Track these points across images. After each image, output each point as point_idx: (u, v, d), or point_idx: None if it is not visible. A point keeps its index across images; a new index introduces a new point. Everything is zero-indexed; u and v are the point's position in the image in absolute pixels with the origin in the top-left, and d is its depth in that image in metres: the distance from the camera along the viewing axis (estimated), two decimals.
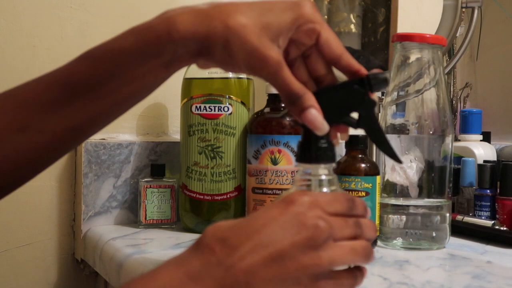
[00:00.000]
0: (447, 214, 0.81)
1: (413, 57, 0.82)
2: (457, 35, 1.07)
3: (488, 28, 1.22)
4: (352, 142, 0.80)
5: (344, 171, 0.78)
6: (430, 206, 0.80)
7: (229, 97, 0.88)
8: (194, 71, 0.92)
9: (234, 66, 0.52)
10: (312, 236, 0.45)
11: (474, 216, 0.92)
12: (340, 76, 0.54)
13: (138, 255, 0.75)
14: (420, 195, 0.81)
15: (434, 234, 0.80)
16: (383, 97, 0.98)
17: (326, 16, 1.14)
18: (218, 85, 0.89)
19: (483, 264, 0.72)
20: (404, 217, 0.80)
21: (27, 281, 0.95)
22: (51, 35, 0.98)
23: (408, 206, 0.80)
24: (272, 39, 0.50)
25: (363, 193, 0.78)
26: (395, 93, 0.82)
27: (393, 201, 0.81)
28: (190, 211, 0.90)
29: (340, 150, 0.87)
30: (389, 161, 0.82)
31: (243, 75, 0.89)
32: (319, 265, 0.45)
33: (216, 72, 0.89)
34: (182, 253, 0.46)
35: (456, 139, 1.12)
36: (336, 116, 0.52)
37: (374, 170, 0.79)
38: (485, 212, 0.92)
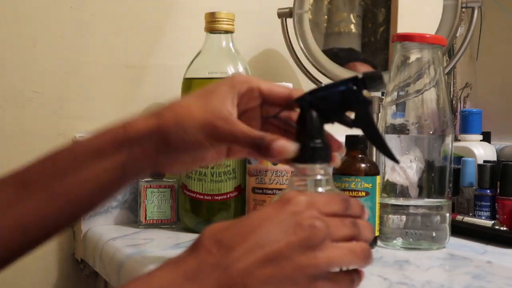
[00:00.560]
0: (447, 214, 0.81)
1: (413, 57, 0.82)
2: (457, 35, 1.06)
3: (488, 28, 1.22)
4: (352, 142, 0.80)
5: (344, 171, 0.78)
6: (430, 206, 0.80)
7: None
8: (194, 71, 0.92)
9: (194, 143, 0.54)
10: (308, 236, 0.44)
11: (474, 216, 0.92)
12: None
13: (138, 255, 0.75)
14: (420, 195, 0.81)
15: (434, 234, 0.80)
16: (383, 97, 0.98)
17: (326, 16, 1.14)
18: None
19: (483, 264, 0.72)
20: (404, 217, 0.80)
21: (27, 281, 0.95)
22: (51, 35, 0.98)
23: (408, 206, 0.80)
24: (219, 108, 0.54)
25: (363, 193, 0.77)
26: (395, 93, 0.82)
27: (393, 201, 0.81)
28: (190, 211, 0.90)
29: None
30: (389, 161, 0.82)
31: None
32: (316, 266, 0.44)
33: (216, 72, 0.89)
34: (180, 254, 0.46)
35: (456, 139, 1.12)
36: (330, 115, 0.52)
37: (374, 170, 0.79)
38: (485, 212, 0.92)
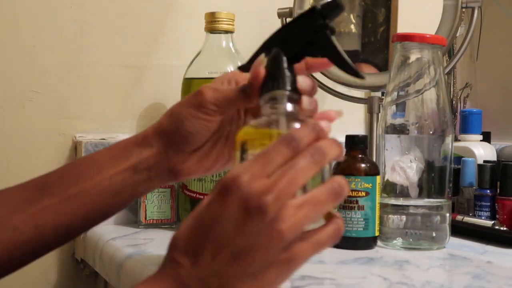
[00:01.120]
0: (447, 214, 0.81)
1: (413, 57, 0.82)
2: (457, 35, 1.06)
3: (488, 28, 1.22)
4: (352, 142, 0.80)
5: (344, 171, 0.78)
6: (430, 206, 0.80)
7: None
8: (194, 71, 0.92)
9: (189, 126, 0.56)
10: (261, 219, 0.41)
11: (474, 216, 0.92)
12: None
13: (138, 255, 0.75)
14: (420, 195, 0.81)
15: (434, 234, 0.80)
16: (383, 97, 0.98)
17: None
18: None
19: (483, 264, 0.72)
20: (404, 217, 0.80)
21: (27, 281, 0.95)
22: (51, 35, 0.98)
23: (408, 206, 0.80)
24: (205, 85, 0.58)
25: (363, 193, 0.77)
26: (395, 93, 0.82)
27: (393, 201, 0.81)
28: (190, 211, 0.90)
29: None
30: (389, 161, 0.82)
31: None
32: (280, 238, 0.42)
33: (216, 72, 0.89)
34: (155, 272, 0.45)
35: (456, 139, 1.12)
36: (296, 49, 0.51)
37: (374, 170, 0.79)
38: (485, 212, 0.92)
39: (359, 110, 1.21)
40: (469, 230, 0.87)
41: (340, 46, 0.51)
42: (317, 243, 0.44)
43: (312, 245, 0.44)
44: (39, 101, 0.97)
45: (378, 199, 0.79)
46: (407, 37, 0.81)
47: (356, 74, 0.51)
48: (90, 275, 0.99)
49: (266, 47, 0.52)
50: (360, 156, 0.79)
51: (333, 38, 0.51)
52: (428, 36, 0.81)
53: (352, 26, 1.14)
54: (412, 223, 0.79)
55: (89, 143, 0.96)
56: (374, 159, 0.98)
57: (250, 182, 0.42)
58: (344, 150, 0.80)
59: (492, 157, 1.07)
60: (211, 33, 0.92)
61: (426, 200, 0.80)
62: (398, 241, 0.80)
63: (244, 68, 0.55)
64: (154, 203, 0.93)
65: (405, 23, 1.09)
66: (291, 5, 1.09)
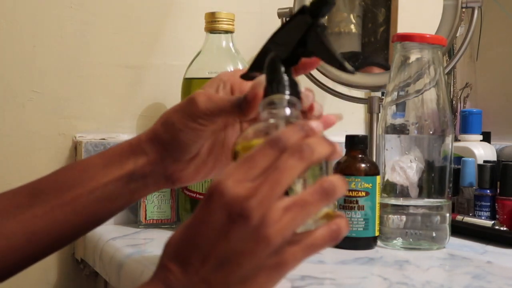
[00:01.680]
0: (447, 214, 0.81)
1: (413, 57, 0.82)
2: (457, 35, 1.06)
3: (488, 28, 1.22)
4: (352, 142, 0.80)
5: (344, 171, 0.78)
6: (430, 206, 0.80)
7: None
8: (194, 71, 0.92)
9: (184, 132, 0.55)
10: (244, 224, 0.40)
11: (474, 216, 0.92)
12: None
13: (138, 255, 0.75)
14: (420, 195, 0.81)
15: (434, 234, 0.80)
16: (383, 97, 0.98)
17: (326, 16, 1.14)
18: None
19: (483, 264, 0.72)
20: (404, 217, 0.80)
21: (27, 281, 0.95)
22: (51, 35, 0.98)
23: (408, 206, 0.80)
24: (198, 91, 0.56)
25: (363, 193, 0.77)
26: (395, 93, 0.82)
27: (393, 201, 0.81)
28: (190, 211, 0.90)
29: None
30: (389, 161, 0.82)
31: None
32: (267, 242, 0.40)
33: (216, 72, 0.88)
34: (148, 280, 0.45)
35: (456, 139, 1.12)
36: (290, 50, 0.50)
37: (374, 170, 0.79)
38: (485, 212, 0.92)
39: (359, 110, 1.21)
40: (469, 230, 0.87)
41: (329, 41, 0.49)
42: (309, 246, 0.42)
43: (304, 248, 0.42)
44: (39, 101, 0.97)
45: (378, 199, 0.79)
46: (407, 37, 0.81)
47: (343, 67, 0.49)
48: (90, 275, 0.99)
49: (264, 52, 0.51)
50: (360, 156, 0.79)
51: (323, 34, 0.49)
52: (428, 36, 0.81)
53: (352, 26, 1.14)
54: (412, 223, 0.79)
55: (89, 143, 0.96)
56: (374, 159, 0.98)
57: (232, 187, 0.40)
58: (344, 150, 0.81)
59: (492, 157, 1.07)
60: (211, 33, 0.92)
61: (426, 200, 0.80)
62: (398, 241, 0.80)
63: (245, 76, 0.54)
64: (154, 203, 0.93)
65: (405, 23, 1.09)
66: (291, 5, 1.09)
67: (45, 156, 0.98)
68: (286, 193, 0.42)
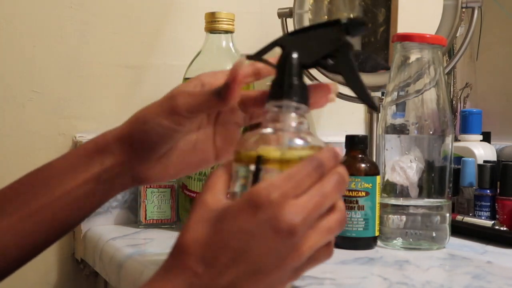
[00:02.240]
0: (447, 214, 0.81)
1: (413, 57, 0.82)
2: (457, 35, 1.06)
3: (488, 28, 1.22)
4: (352, 142, 0.80)
5: None
6: (430, 206, 0.80)
7: None
8: (194, 71, 0.92)
9: (157, 130, 0.54)
10: (288, 240, 0.42)
11: (474, 216, 0.92)
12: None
13: (138, 255, 0.75)
14: (420, 195, 0.81)
15: (434, 234, 0.80)
16: (383, 97, 0.98)
17: (326, 16, 1.14)
18: None
19: (483, 264, 0.72)
20: (404, 217, 0.80)
21: (27, 281, 0.95)
22: (51, 35, 0.98)
23: (408, 206, 0.80)
24: (177, 89, 0.56)
25: (363, 193, 0.77)
26: (395, 93, 0.82)
27: (393, 201, 0.81)
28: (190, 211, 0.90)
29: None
30: (389, 161, 0.82)
31: None
32: (299, 259, 0.44)
33: None
34: (159, 275, 0.44)
35: (456, 139, 1.12)
36: (311, 57, 0.49)
37: (374, 170, 0.79)
38: (485, 212, 0.92)
39: (359, 110, 1.21)
40: (469, 230, 0.87)
41: (357, 68, 0.49)
42: (317, 262, 0.46)
43: (312, 265, 0.46)
44: (39, 101, 0.97)
45: (378, 199, 0.79)
46: (407, 37, 0.81)
47: (373, 105, 0.51)
48: (90, 275, 0.99)
49: (279, 44, 0.50)
50: (360, 156, 0.79)
51: (353, 58, 0.49)
52: (428, 36, 0.81)
53: None
54: (412, 223, 0.79)
55: None
56: (374, 159, 0.98)
57: (283, 202, 0.42)
58: (344, 150, 0.81)
59: (492, 157, 1.07)
60: (211, 33, 0.92)
61: (426, 200, 0.80)
62: (398, 241, 0.80)
63: (252, 57, 0.52)
64: (154, 203, 0.93)
65: (405, 23, 1.09)
66: (291, 5, 1.09)
67: (45, 156, 0.97)
68: None
